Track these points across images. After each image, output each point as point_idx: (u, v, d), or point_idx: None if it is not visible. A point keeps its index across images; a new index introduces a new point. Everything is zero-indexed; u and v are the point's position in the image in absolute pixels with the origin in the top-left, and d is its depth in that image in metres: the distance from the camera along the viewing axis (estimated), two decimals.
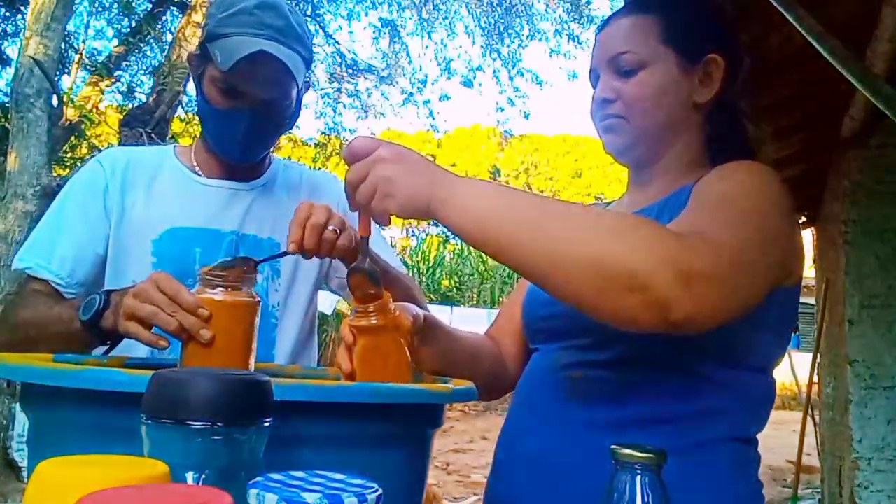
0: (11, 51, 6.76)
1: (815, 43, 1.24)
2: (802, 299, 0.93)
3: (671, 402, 0.83)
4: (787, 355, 0.88)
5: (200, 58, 1.17)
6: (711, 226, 0.73)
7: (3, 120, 5.64)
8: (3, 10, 6.79)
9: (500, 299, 10.63)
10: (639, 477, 0.54)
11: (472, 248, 13.22)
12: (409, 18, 9.52)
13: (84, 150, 7.64)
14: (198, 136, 1.29)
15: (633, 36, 0.92)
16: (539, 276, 0.70)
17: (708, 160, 0.94)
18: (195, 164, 1.25)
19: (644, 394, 0.84)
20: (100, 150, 6.75)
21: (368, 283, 0.86)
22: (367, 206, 0.74)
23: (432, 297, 9.98)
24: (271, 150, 1.29)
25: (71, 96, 5.77)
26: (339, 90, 9.97)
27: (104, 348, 1.00)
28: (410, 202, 0.72)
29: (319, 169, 1.37)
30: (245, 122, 1.13)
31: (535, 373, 0.96)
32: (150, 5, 6.92)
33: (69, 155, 7.34)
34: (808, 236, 4.47)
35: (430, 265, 11.25)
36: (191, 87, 5.54)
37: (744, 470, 0.85)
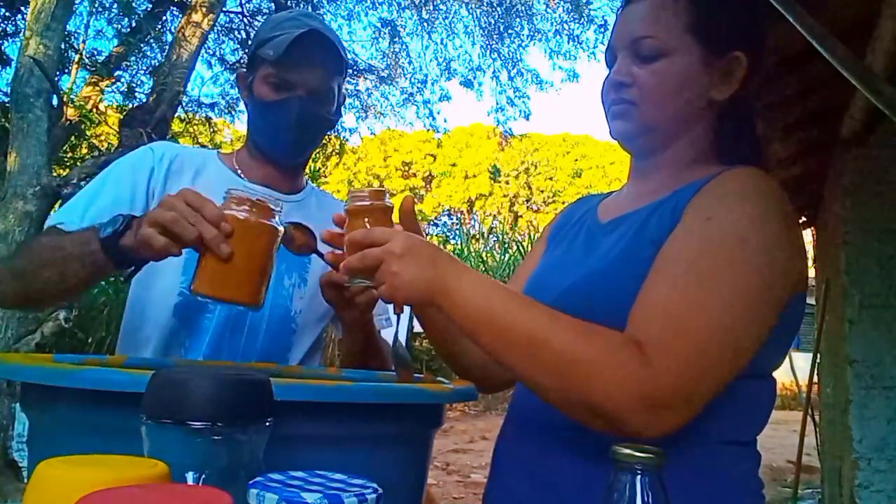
0: (11, 51, 6.76)
1: (815, 43, 1.24)
2: None
3: None
4: (787, 355, 0.87)
5: (250, 68, 1.24)
6: (685, 310, 0.72)
7: (3, 120, 5.64)
8: (3, 10, 6.78)
9: None
10: (639, 477, 0.54)
11: (472, 248, 13.21)
12: (409, 18, 9.52)
13: (84, 150, 7.63)
14: (241, 145, 1.35)
15: (658, 20, 0.87)
16: (513, 373, 0.77)
17: (715, 158, 0.91)
18: (237, 168, 1.29)
19: None
20: (100, 151, 6.76)
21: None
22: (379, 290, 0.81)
23: None
24: (314, 151, 1.35)
25: (71, 96, 5.76)
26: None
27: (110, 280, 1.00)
28: (415, 296, 0.78)
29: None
30: (296, 112, 1.19)
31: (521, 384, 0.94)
32: (150, 5, 6.91)
33: (69, 155, 7.33)
34: (808, 236, 4.47)
35: None
36: (192, 88, 5.54)
37: (743, 472, 0.85)
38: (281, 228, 0.92)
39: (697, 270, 0.74)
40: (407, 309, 0.89)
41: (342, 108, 1.33)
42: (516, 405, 0.96)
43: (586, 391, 0.71)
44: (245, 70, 1.28)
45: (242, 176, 1.27)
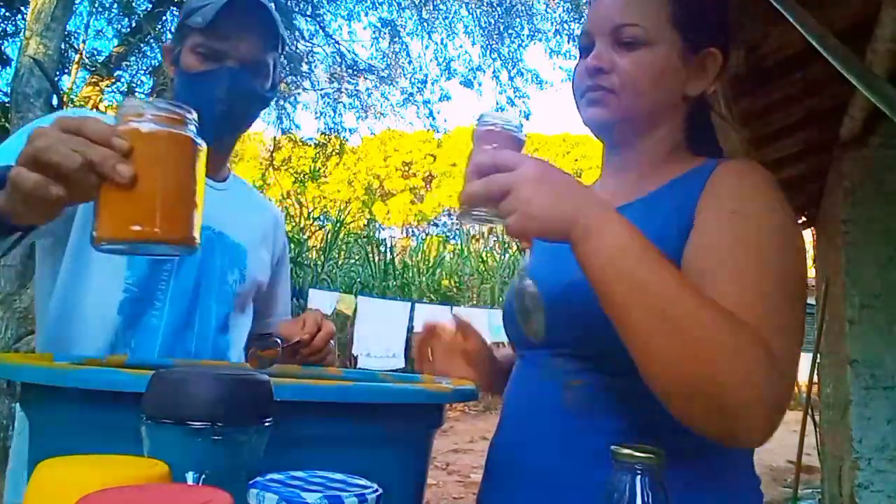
0: (11, 51, 6.76)
1: (815, 43, 1.24)
2: None
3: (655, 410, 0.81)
4: None
5: (177, 39, 1.16)
6: (769, 310, 0.71)
7: (3, 120, 5.64)
8: (3, 10, 6.78)
9: (500, 299, 10.63)
10: (639, 477, 0.54)
11: (471, 248, 13.22)
12: (409, 18, 9.52)
13: None
14: None
15: (642, 8, 0.87)
16: (632, 344, 0.68)
17: (687, 151, 0.92)
18: None
19: (643, 400, 0.79)
20: None
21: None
22: (505, 219, 0.71)
23: (432, 297, 9.97)
24: (245, 131, 1.27)
25: (71, 96, 5.76)
26: (339, 90, 9.96)
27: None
28: (551, 228, 0.70)
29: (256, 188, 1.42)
30: (226, 84, 1.12)
31: (527, 381, 0.92)
32: (150, 5, 6.91)
33: None
34: (808, 236, 4.47)
35: (430, 265, 11.24)
36: None
37: (743, 468, 0.85)
38: (201, 142, 0.71)
39: (760, 270, 0.74)
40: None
41: (277, 88, 1.26)
42: (510, 416, 0.94)
43: (718, 378, 0.64)
44: (171, 42, 1.19)
45: None
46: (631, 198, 0.90)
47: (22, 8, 6.42)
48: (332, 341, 1.18)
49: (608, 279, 0.68)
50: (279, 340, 1.10)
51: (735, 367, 0.64)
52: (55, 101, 4.63)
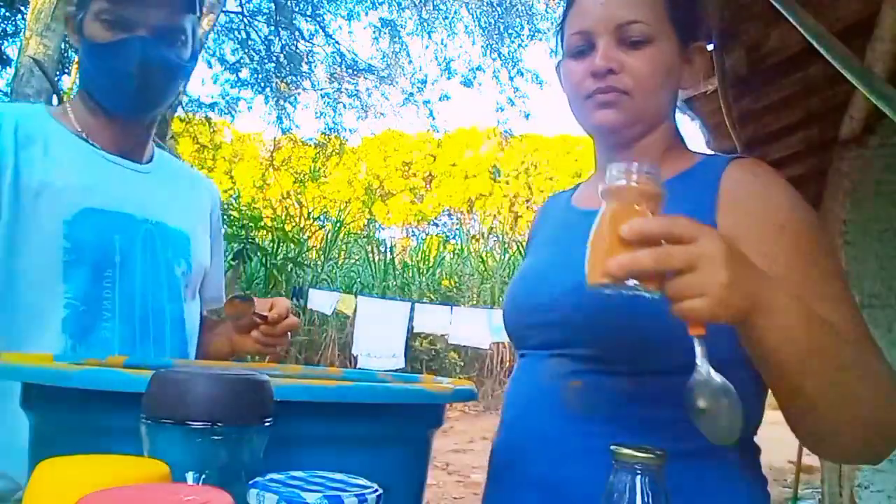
0: (11, 51, 6.76)
1: (815, 43, 1.24)
2: None
3: (673, 407, 0.81)
4: None
5: (79, 5, 1.06)
6: (860, 323, 0.76)
7: None
8: (3, 10, 6.78)
9: (500, 299, 10.62)
10: (639, 477, 0.54)
11: (471, 248, 13.23)
12: (409, 18, 9.52)
13: None
14: (73, 98, 1.14)
15: (643, 4, 0.85)
16: (812, 410, 0.70)
17: (680, 144, 0.93)
18: (80, 129, 1.10)
19: (646, 400, 0.81)
20: None
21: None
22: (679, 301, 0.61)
23: (432, 296, 9.97)
24: (166, 108, 1.19)
25: (71, 96, 5.77)
26: (339, 90, 9.96)
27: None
28: (740, 311, 0.62)
29: (188, 164, 1.33)
30: (138, 54, 1.01)
31: (528, 382, 0.91)
32: None
33: None
34: None
35: (430, 265, 11.24)
36: (192, 88, 5.53)
37: (751, 466, 0.85)
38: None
39: (840, 288, 0.78)
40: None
41: (199, 56, 1.17)
42: (513, 416, 0.92)
43: (892, 416, 0.70)
44: (73, 7, 1.07)
45: (91, 141, 1.09)
46: None
47: (22, 8, 6.42)
48: (289, 334, 1.17)
49: (786, 353, 0.65)
50: (253, 299, 1.12)
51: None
52: (55, 101, 4.63)
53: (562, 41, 0.94)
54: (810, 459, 4.44)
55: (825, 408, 0.68)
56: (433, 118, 10.78)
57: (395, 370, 6.32)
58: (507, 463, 0.90)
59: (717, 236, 0.62)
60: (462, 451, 7.13)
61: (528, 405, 0.89)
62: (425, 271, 10.97)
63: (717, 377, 0.63)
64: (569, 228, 0.95)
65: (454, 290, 10.92)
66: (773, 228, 0.79)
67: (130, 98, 1.06)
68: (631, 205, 0.64)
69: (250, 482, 0.43)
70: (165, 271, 1.12)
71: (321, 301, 6.63)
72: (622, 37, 0.85)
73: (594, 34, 0.86)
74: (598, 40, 0.86)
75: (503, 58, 9.63)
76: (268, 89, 10.10)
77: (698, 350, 0.63)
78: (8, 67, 6.79)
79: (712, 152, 0.95)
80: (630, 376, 0.82)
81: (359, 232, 12.11)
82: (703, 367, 0.63)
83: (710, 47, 1.86)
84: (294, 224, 9.55)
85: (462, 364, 10.37)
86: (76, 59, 6.31)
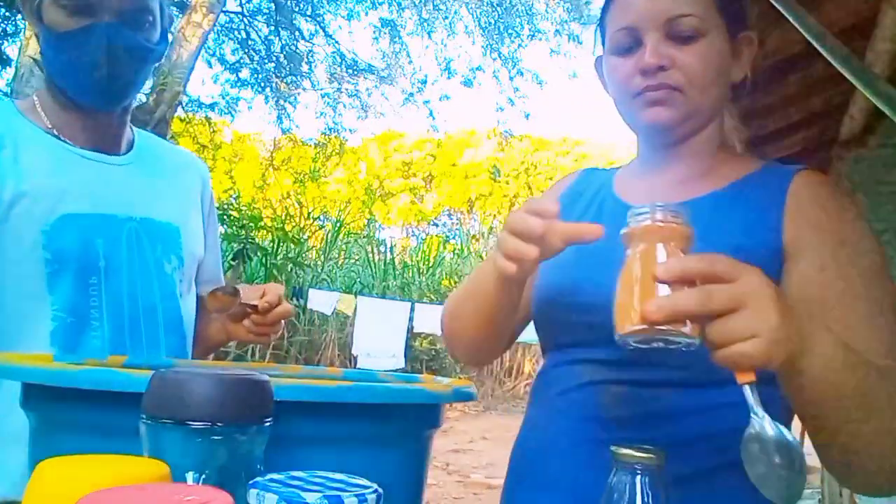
0: (11, 51, 6.76)
1: (815, 43, 1.24)
2: None
3: (713, 421, 0.78)
4: None
5: None
6: None
7: None
8: (3, 10, 6.78)
9: None
10: (639, 477, 0.54)
11: (471, 248, 13.22)
12: (409, 18, 9.52)
13: None
14: (41, 90, 1.08)
15: None
16: (844, 447, 0.68)
17: (722, 143, 0.90)
18: (50, 126, 1.04)
19: (685, 412, 0.79)
20: None
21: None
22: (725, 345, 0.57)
23: (432, 296, 9.96)
24: (135, 97, 1.13)
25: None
26: (339, 90, 9.96)
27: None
28: (789, 352, 0.58)
29: (172, 143, 1.20)
30: (104, 42, 0.96)
31: (562, 381, 0.87)
32: None
33: None
34: None
35: (430, 265, 11.24)
36: (192, 88, 5.53)
37: None
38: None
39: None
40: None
41: (169, 36, 1.10)
42: (542, 417, 0.89)
43: None
44: None
45: (62, 138, 1.04)
46: (690, 194, 0.86)
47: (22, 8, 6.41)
48: (282, 322, 1.13)
49: (827, 395, 0.63)
50: (238, 290, 1.06)
51: None
52: None
53: (603, 37, 0.90)
54: (810, 460, 4.43)
55: (859, 445, 0.67)
56: (433, 118, 10.78)
57: (395, 370, 6.32)
58: (530, 464, 0.88)
59: (760, 273, 0.58)
60: (462, 451, 7.13)
61: (561, 406, 0.86)
62: (425, 271, 10.97)
63: (775, 430, 0.57)
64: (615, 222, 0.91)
65: (454, 289, 10.91)
66: (834, 242, 0.77)
67: (100, 89, 1.00)
68: (662, 245, 0.59)
69: (250, 482, 0.43)
70: (155, 269, 1.08)
71: (321, 301, 6.62)
72: (671, 32, 0.81)
73: (641, 30, 0.82)
74: (646, 36, 0.82)
75: (503, 58, 9.63)
76: (268, 89, 10.11)
77: (751, 400, 0.57)
78: (8, 67, 6.79)
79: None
80: (675, 387, 0.79)
81: (359, 232, 12.10)
82: (759, 420, 0.57)
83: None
84: (294, 224, 9.55)
85: (462, 364, 10.36)
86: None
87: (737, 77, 0.87)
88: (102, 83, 0.99)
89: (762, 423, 0.57)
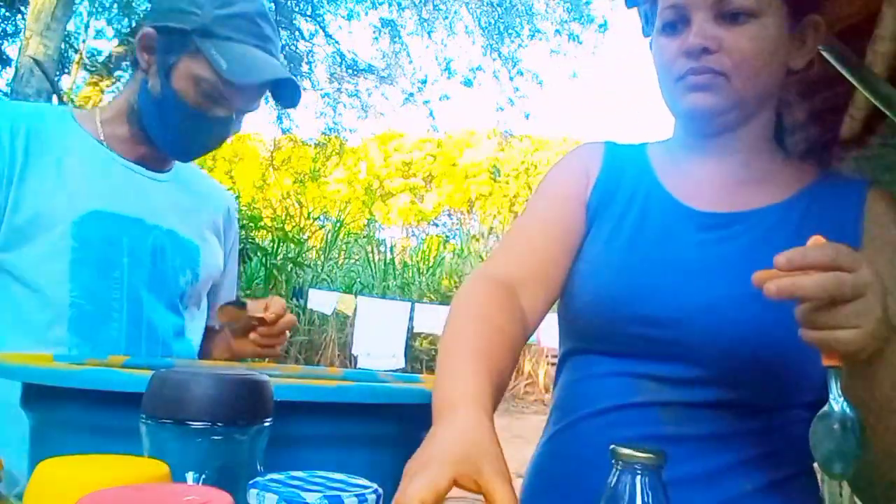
0: (11, 51, 6.76)
1: None
2: None
3: (775, 443, 0.76)
4: None
5: (168, 45, 1.05)
6: None
7: None
8: (3, 10, 6.78)
9: None
10: (639, 477, 0.54)
11: (472, 248, 13.20)
12: (409, 18, 9.52)
13: None
14: (107, 106, 1.16)
15: None
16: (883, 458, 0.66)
17: (782, 150, 0.84)
18: (102, 136, 1.11)
19: (746, 434, 0.76)
20: None
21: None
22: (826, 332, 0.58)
23: (432, 296, 9.96)
24: None
25: (71, 96, 5.76)
26: (339, 90, 9.96)
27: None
28: (876, 346, 0.59)
29: (203, 170, 1.30)
30: (213, 129, 1.08)
31: (609, 393, 0.80)
32: (150, 5, 6.92)
33: None
34: None
35: (430, 265, 11.23)
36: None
37: (815, 489, 0.82)
38: None
39: None
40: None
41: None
42: (581, 429, 0.81)
43: None
44: (152, 29, 1.05)
45: (112, 148, 1.11)
46: (754, 201, 0.81)
47: (22, 8, 6.42)
48: (287, 332, 1.17)
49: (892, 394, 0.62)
50: (246, 303, 1.11)
51: None
52: (55, 101, 4.64)
53: (653, 15, 0.83)
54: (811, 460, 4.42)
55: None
56: (433, 118, 10.78)
57: (395, 370, 6.32)
58: (564, 472, 0.82)
59: (872, 266, 0.58)
60: None
61: (610, 417, 0.79)
62: (425, 271, 10.96)
63: (852, 412, 0.59)
64: (679, 232, 0.81)
65: (454, 290, 10.90)
66: None
67: (186, 150, 1.12)
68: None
69: (250, 482, 0.43)
70: (171, 279, 1.13)
71: (321, 301, 6.62)
72: (721, 10, 0.74)
73: (689, 7, 0.76)
74: (694, 14, 0.76)
75: (503, 58, 9.63)
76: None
77: (833, 383, 0.59)
78: (8, 67, 6.79)
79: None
80: (739, 408, 0.76)
81: (359, 232, 12.10)
82: (840, 401, 0.59)
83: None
84: (294, 224, 9.55)
85: None
86: (76, 59, 6.32)
87: (797, 65, 0.79)
88: (192, 149, 1.12)
89: (844, 403, 0.59)
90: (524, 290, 0.80)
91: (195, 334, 1.20)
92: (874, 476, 0.70)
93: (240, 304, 1.13)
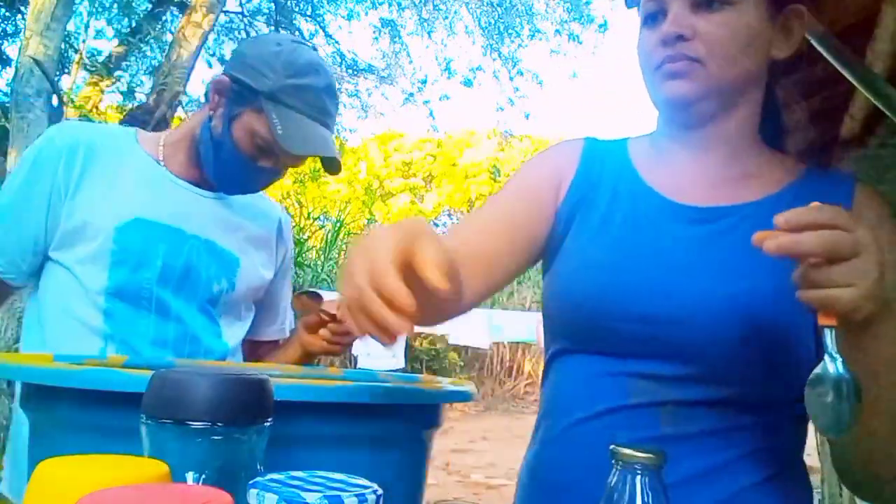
0: (11, 51, 6.76)
1: (815, 43, 1.24)
2: None
3: (770, 439, 0.77)
4: None
5: (237, 98, 1.12)
6: None
7: (3, 120, 5.64)
8: (3, 10, 6.78)
9: (499, 299, 10.63)
10: (639, 477, 0.54)
11: None
12: (409, 18, 9.52)
13: None
14: (172, 132, 1.25)
15: None
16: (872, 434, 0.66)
17: (760, 135, 0.83)
18: (161, 157, 1.19)
19: (745, 430, 0.76)
20: None
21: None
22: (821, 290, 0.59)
23: None
24: None
25: (71, 96, 5.77)
26: (339, 90, 9.95)
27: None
28: (873, 310, 0.59)
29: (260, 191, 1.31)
30: (264, 177, 1.17)
31: (603, 395, 0.78)
32: (150, 5, 6.92)
33: None
34: None
35: None
36: (192, 88, 5.54)
37: (808, 484, 0.83)
38: None
39: None
40: None
41: None
42: (576, 432, 0.80)
43: None
44: (227, 78, 1.12)
45: (167, 167, 1.19)
46: (739, 195, 0.80)
47: (22, 8, 6.42)
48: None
49: (890, 362, 0.63)
50: (321, 295, 1.16)
51: None
52: (55, 102, 4.63)
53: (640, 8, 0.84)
54: (810, 460, 4.44)
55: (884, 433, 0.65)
56: (433, 118, 10.78)
57: (395, 370, 6.32)
58: (558, 478, 0.80)
59: (871, 229, 0.59)
60: (462, 451, 7.13)
61: (606, 420, 0.78)
62: None
63: (845, 370, 0.60)
64: (666, 228, 0.81)
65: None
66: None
67: (231, 188, 1.19)
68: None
69: (250, 482, 0.43)
70: (204, 285, 1.17)
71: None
72: None
73: None
74: (671, 4, 0.76)
75: (503, 58, 9.62)
76: None
77: (830, 342, 0.60)
78: (8, 67, 6.79)
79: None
80: (733, 404, 0.75)
81: (359, 232, 12.11)
82: (837, 360, 0.60)
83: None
84: (294, 224, 9.56)
85: (462, 364, 10.36)
86: (76, 59, 6.32)
87: (780, 54, 0.80)
88: (236, 187, 1.19)
89: (836, 364, 0.60)
90: (464, 269, 0.74)
91: (233, 341, 1.23)
92: (852, 458, 0.72)
93: (315, 296, 1.17)
